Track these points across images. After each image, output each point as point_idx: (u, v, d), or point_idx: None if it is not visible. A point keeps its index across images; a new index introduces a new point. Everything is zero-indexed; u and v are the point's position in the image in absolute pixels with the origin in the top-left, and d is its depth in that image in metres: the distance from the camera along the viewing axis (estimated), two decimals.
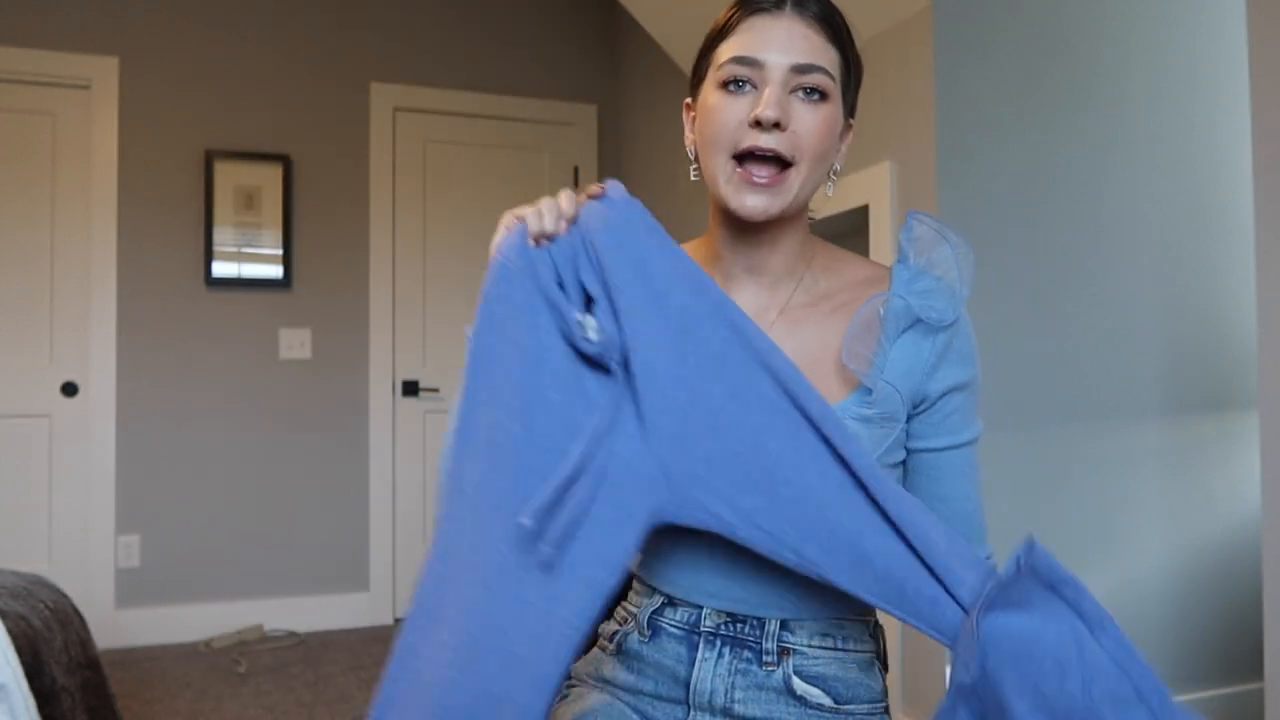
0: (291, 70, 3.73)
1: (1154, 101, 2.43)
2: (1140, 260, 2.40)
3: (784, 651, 0.94)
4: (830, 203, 2.79)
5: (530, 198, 3.61)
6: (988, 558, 0.96)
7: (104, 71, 3.50)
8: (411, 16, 3.89)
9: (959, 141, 2.22)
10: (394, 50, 3.86)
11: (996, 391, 2.23)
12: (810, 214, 1.01)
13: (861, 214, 2.47)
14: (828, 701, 0.93)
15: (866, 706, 0.95)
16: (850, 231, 2.64)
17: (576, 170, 4.12)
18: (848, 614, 0.96)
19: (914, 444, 0.95)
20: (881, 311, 0.91)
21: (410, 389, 3.83)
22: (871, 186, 2.37)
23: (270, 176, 3.65)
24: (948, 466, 0.95)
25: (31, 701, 1.53)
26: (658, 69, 3.61)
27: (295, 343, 3.68)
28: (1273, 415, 1.56)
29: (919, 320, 0.91)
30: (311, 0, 3.77)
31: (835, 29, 0.92)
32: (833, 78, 0.90)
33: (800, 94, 0.89)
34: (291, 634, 3.59)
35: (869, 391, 0.90)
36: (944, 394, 0.93)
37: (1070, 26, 2.34)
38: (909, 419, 0.94)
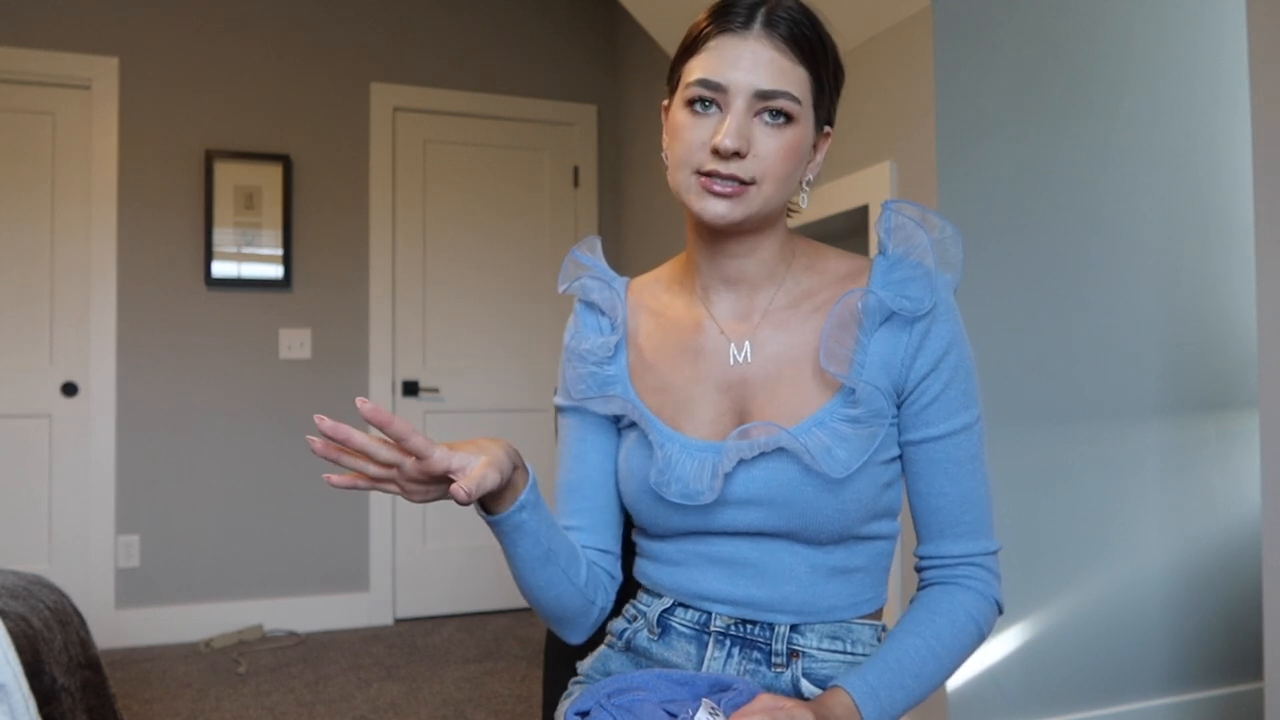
0: (291, 70, 3.73)
1: (1153, 101, 2.43)
2: (1140, 259, 2.40)
3: (794, 654, 0.94)
4: (830, 203, 2.80)
5: (530, 198, 3.63)
6: (993, 552, 0.96)
7: (104, 71, 3.50)
8: (411, 16, 3.89)
9: (959, 141, 2.22)
10: (394, 50, 3.86)
11: (996, 391, 2.23)
12: (791, 209, 1.00)
13: (861, 214, 2.48)
14: None
15: None
16: (850, 231, 2.65)
17: (576, 170, 4.12)
18: (855, 617, 0.96)
19: (905, 436, 0.94)
20: (859, 307, 0.91)
21: (410, 389, 3.83)
22: (871, 186, 2.37)
23: (270, 176, 3.65)
24: (942, 458, 0.93)
25: (31, 701, 1.52)
26: (658, 69, 3.61)
27: (295, 343, 3.68)
28: (1273, 415, 1.56)
29: (895, 313, 0.91)
30: (311, 0, 3.77)
31: (806, 47, 0.89)
32: (798, 100, 0.89)
33: (765, 117, 0.88)
34: (291, 634, 3.59)
35: (852, 392, 0.90)
36: (923, 380, 0.92)
37: (1070, 26, 2.34)
38: (899, 408, 0.94)
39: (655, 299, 1.04)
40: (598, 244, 1.07)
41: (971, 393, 0.94)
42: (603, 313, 1.04)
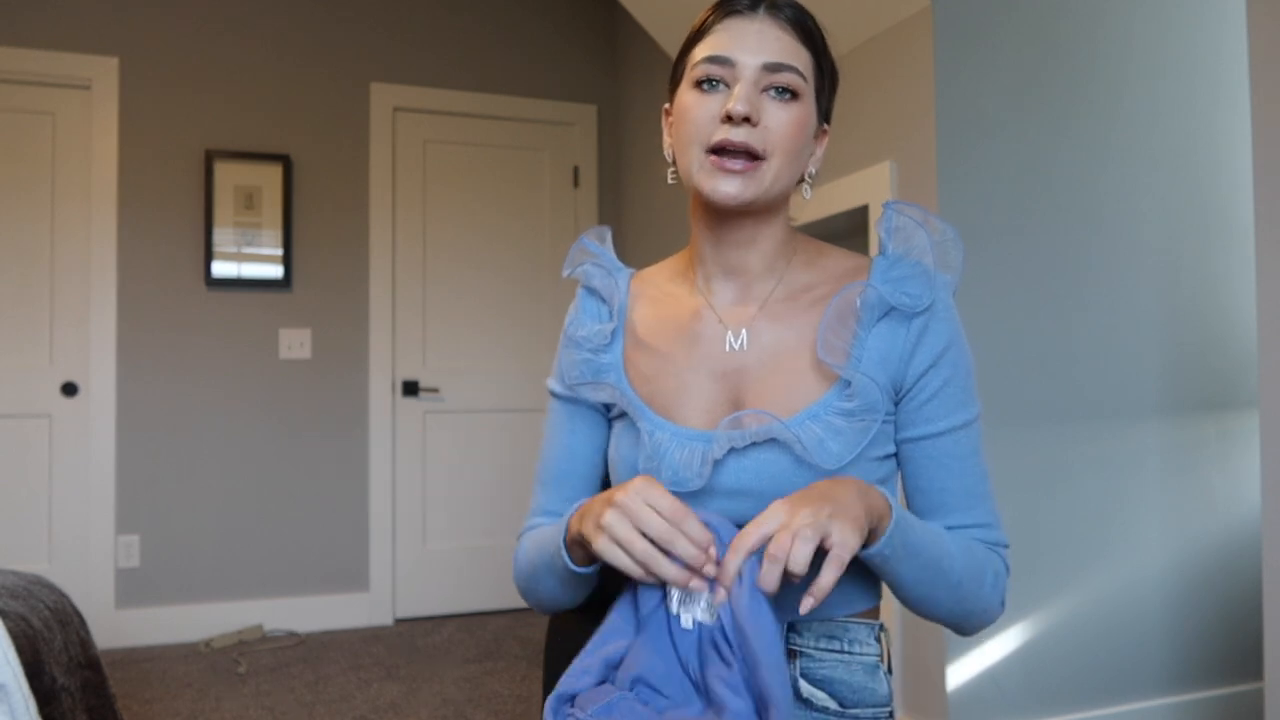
0: (291, 70, 3.73)
1: (1153, 101, 2.43)
2: (1140, 259, 2.40)
3: (791, 654, 0.94)
4: (830, 203, 2.80)
5: (530, 198, 3.62)
6: (1002, 546, 0.95)
7: (104, 71, 3.50)
8: (411, 16, 3.89)
9: (959, 141, 2.22)
10: (394, 50, 3.86)
11: (996, 391, 2.23)
12: (792, 218, 1.01)
13: (861, 214, 2.48)
14: (833, 705, 0.93)
15: (871, 711, 0.94)
16: (850, 231, 2.65)
17: (576, 170, 4.12)
18: (847, 615, 0.96)
19: (903, 433, 0.94)
20: (858, 302, 0.92)
21: (410, 389, 3.83)
22: (871, 186, 2.37)
23: (270, 176, 3.65)
24: (942, 454, 0.93)
25: (32, 702, 1.52)
26: (658, 69, 3.61)
27: (295, 343, 3.68)
28: (1273, 415, 1.56)
29: (894, 308, 0.92)
30: (311, 0, 3.77)
31: (808, 33, 0.93)
32: (804, 77, 0.91)
33: (772, 93, 0.91)
34: (291, 634, 3.59)
35: (848, 384, 0.91)
36: (922, 376, 0.92)
37: (1070, 26, 2.34)
38: (897, 405, 0.94)
39: (657, 288, 1.05)
40: (608, 234, 1.09)
41: (971, 391, 0.95)
42: (603, 300, 1.05)
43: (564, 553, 0.90)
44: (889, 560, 0.84)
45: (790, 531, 0.74)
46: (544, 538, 0.98)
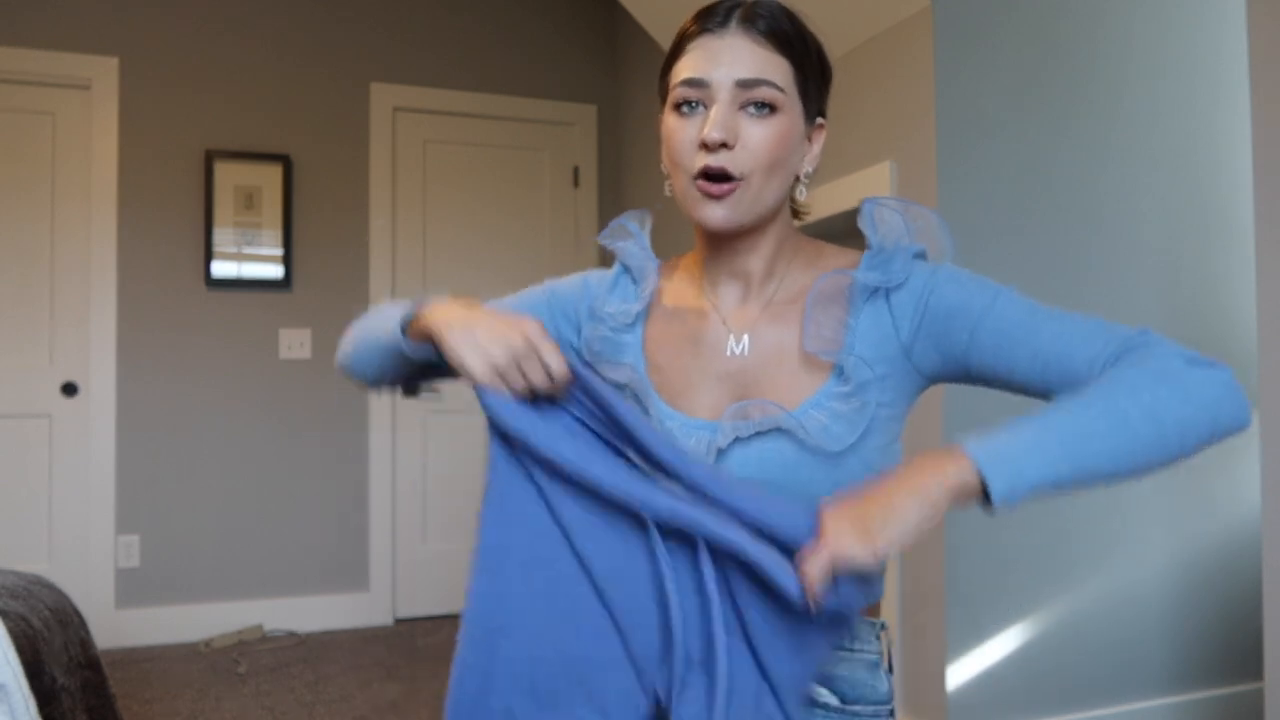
0: (291, 70, 3.73)
1: (1153, 101, 2.43)
2: (1140, 260, 2.40)
3: None
4: (830, 203, 2.80)
5: (530, 198, 3.61)
6: (1139, 333, 0.86)
7: (104, 71, 3.50)
8: (411, 16, 3.89)
9: (959, 141, 2.22)
10: (394, 50, 3.86)
11: (996, 391, 2.23)
12: (804, 212, 1.02)
13: None
14: (834, 701, 0.94)
15: (872, 708, 0.95)
16: (850, 231, 2.64)
17: (576, 170, 4.12)
18: None
19: (960, 344, 0.92)
20: (846, 292, 0.93)
21: (410, 389, 3.82)
22: (871, 186, 2.37)
23: (270, 176, 3.65)
24: (1006, 326, 0.91)
25: (32, 701, 1.53)
26: (657, 69, 3.61)
27: (295, 343, 3.68)
28: (1273, 415, 1.56)
29: (875, 289, 0.93)
30: (311, 0, 3.77)
31: (784, 40, 0.92)
32: (781, 89, 0.91)
33: (750, 109, 0.91)
34: (291, 634, 3.59)
35: (841, 370, 0.92)
36: (927, 304, 0.92)
37: (1070, 26, 2.34)
38: (956, 351, 0.92)
39: (672, 284, 1.06)
40: (648, 219, 1.09)
41: (989, 282, 0.94)
42: (634, 281, 1.06)
43: (401, 336, 0.97)
44: (1049, 478, 0.81)
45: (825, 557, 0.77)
46: (387, 315, 1.02)
